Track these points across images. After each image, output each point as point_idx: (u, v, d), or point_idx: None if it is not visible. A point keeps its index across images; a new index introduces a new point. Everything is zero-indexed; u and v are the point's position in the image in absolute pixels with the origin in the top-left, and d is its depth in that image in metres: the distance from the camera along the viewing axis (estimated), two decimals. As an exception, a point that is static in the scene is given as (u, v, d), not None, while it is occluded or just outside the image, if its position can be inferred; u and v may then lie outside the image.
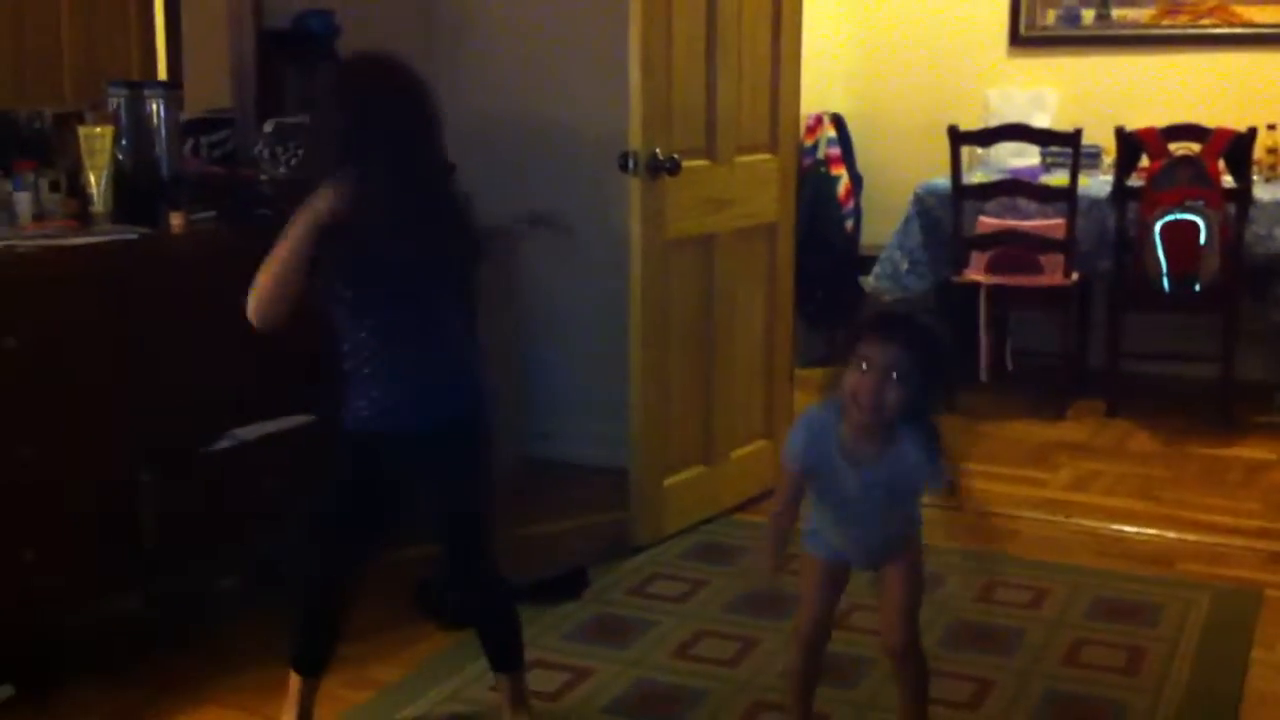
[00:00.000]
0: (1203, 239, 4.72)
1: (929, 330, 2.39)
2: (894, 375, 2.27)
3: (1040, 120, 5.61)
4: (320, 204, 2.33)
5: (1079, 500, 4.21)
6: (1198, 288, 4.76)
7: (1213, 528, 3.94)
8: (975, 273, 5.15)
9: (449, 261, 2.45)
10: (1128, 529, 3.95)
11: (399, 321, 2.42)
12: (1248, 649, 3.14)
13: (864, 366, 2.29)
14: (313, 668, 2.64)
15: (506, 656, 2.67)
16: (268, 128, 3.65)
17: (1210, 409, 5.01)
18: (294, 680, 2.63)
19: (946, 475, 2.39)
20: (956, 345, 2.61)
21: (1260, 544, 3.82)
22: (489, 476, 2.58)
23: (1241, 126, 4.88)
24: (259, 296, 2.39)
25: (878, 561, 2.48)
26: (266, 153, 3.61)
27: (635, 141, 3.59)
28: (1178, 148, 4.93)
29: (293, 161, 2.80)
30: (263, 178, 3.54)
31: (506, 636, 2.66)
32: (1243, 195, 4.85)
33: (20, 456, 2.80)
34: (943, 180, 5.21)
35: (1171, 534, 3.90)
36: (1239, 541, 3.83)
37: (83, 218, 3.18)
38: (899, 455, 2.34)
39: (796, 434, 2.43)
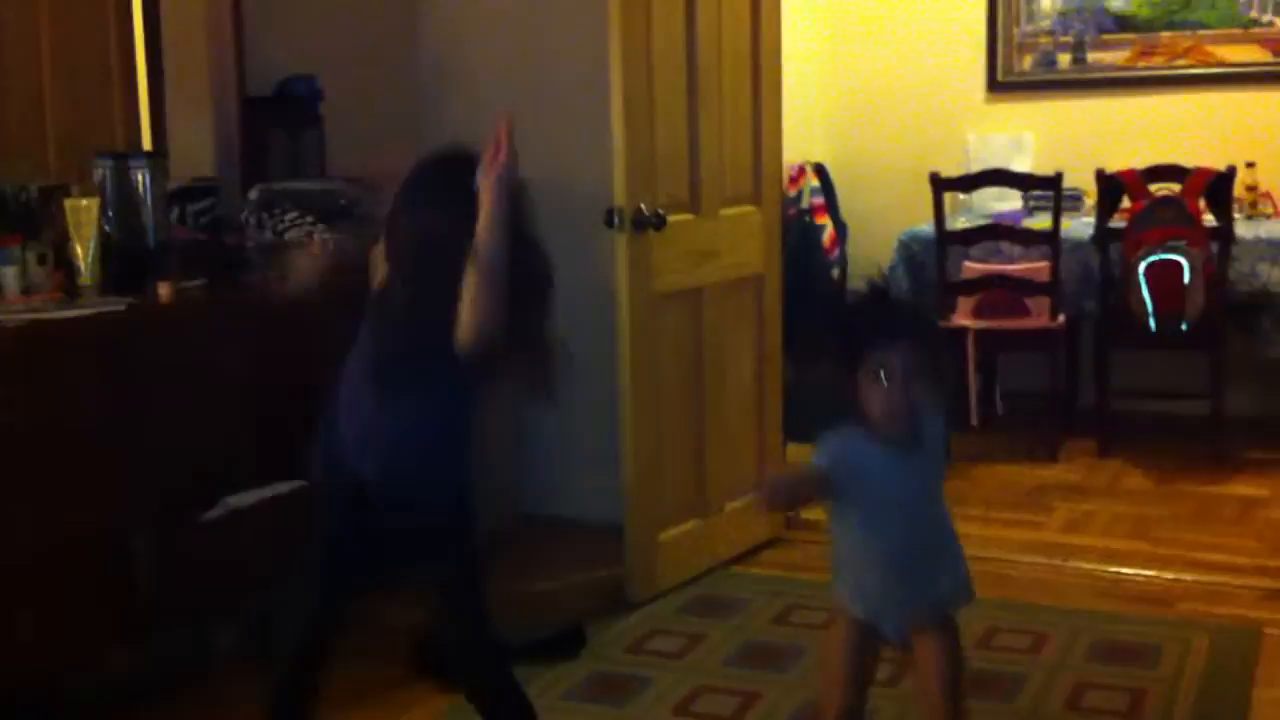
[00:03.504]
0: (1187, 278, 4.74)
1: (918, 313, 2.38)
2: (913, 375, 2.23)
3: (1020, 164, 5.65)
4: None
5: (1074, 542, 4.21)
6: (1184, 326, 4.78)
7: (1209, 566, 3.94)
8: (962, 317, 5.16)
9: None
10: (1124, 570, 3.94)
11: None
12: (1248, 688, 3.13)
13: (882, 378, 2.23)
14: None
15: None
16: (253, 194, 3.67)
17: (1202, 446, 5.02)
18: None
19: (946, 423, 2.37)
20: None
21: (1257, 581, 3.81)
22: (471, 554, 2.48)
23: (1220, 165, 4.92)
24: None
25: (914, 606, 2.34)
26: (253, 219, 3.63)
27: (620, 197, 3.61)
28: (1158, 188, 4.98)
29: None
30: (249, 244, 3.55)
31: (508, 706, 2.53)
32: (1224, 233, 4.88)
33: (14, 529, 2.78)
34: (926, 227, 5.24)
35: (1168, 574, 3.89)
36: (1236, 579, 3.83)
37: (70, 290, 3.18)
38: (927, 437, 2.31)
39: (826, 443, 2.31)
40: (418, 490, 2.39)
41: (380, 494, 2.37)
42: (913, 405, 2.25)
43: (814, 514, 4.19)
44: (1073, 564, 4.00)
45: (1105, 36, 5.88)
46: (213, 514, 3.21)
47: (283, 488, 3.35)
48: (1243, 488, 4.71)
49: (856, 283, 5.85)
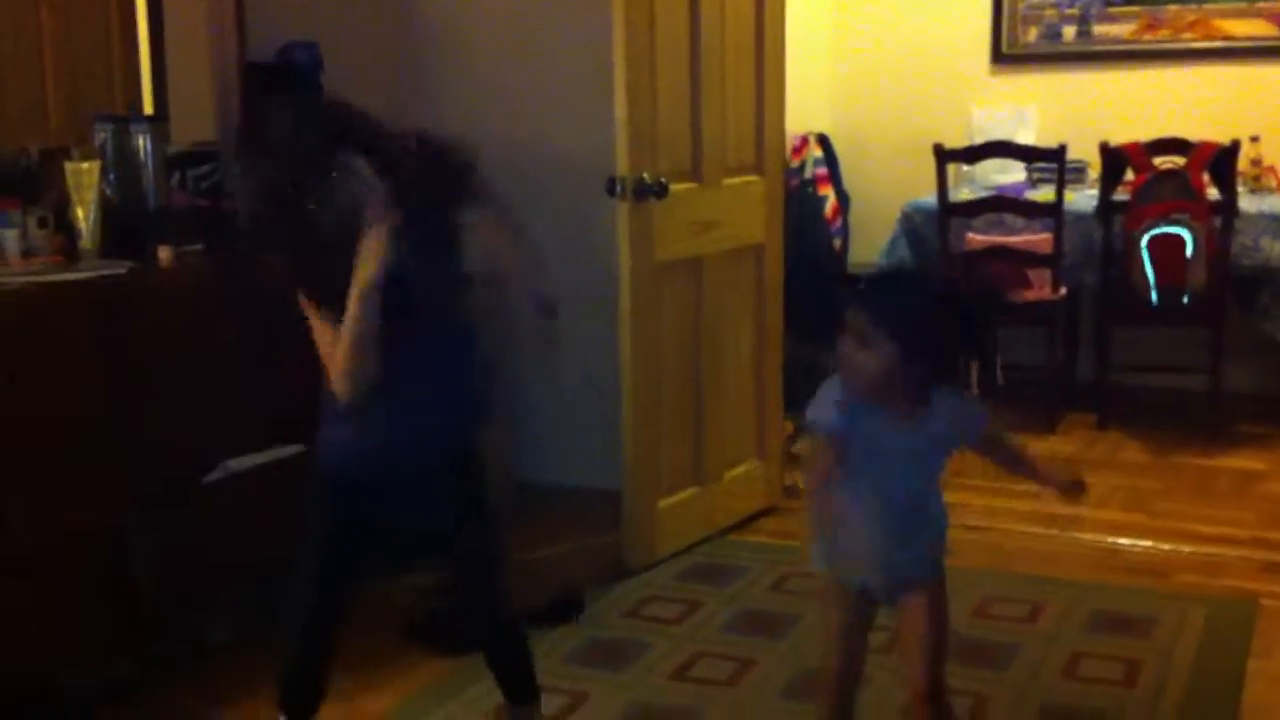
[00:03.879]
0: (1189, 252, 4.74)
1: (910, 286, 2.30)
2: (879, 344, 2.16)
3: (1023, 136, 5.64)
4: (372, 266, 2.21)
5: (1072, 514, 4.21)
6: (1185, 300, 4.78)
7: (1206, 538, 3.95)
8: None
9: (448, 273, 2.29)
10: (1122, 541, 3.95)
11: (399, 343, 2.26)
12: (1244, 659, 3.15)
13: (846, 341, 2.19)
14: (305, 711, 2.50)
15: (523, 687, 2.60)
16: (254, 159, 3.66)
17: (1200, 420, 5.03)
18: None
19: (982, 423, 2.31)
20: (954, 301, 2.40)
21: (1254, 553, 3.82)
22: (492, 506, 2.49)
23: (1224, 139, 4.91)
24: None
25: (899, 568, 2.30)
26: (253, 184, 3.62)
27: (622, 166, 3.60)
28: (1162, 162, 4.96)
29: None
30: (250, 209, 3.55)
31: (521, 665, 2.60)
32: (1227, 207, 4.88)
33: (11, 486, 2.79)
34: (929, 198, 5.23)
35: (1165, 545, 3.91)
36: (1233, 551, 3.84)
37: (70, 253, 3.18)
38: (931, 418, 2.24)
39: (824, 402, 2.26)
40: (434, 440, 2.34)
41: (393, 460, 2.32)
42: (874, 377, 2.18)
43: (812, 483, 4.20)
44: (1070, 535, 4.02)
45: (1110, 9, 5.85)
46: (212, 478, 3.22)
47: (282, 452, 3.36)
48: (1240, 461, 4.72)
49: (858, 254, 5.87)
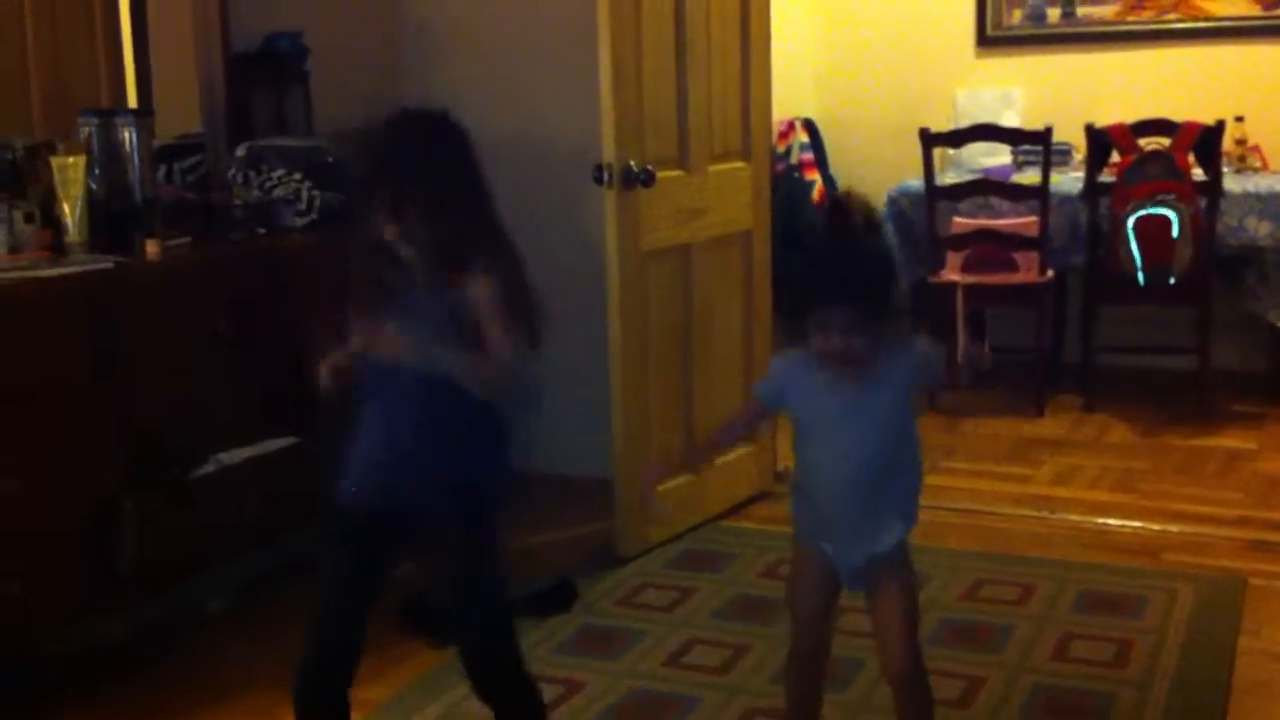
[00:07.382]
0: (1175, 232, 4.75)
1: (869, 260, 2.28)
2: (855, 327, 2.18)
3: (1009, 119, 5.65)
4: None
5: (1061, 495, 4.23)
6: (1172, 281, 4.80)
7: (1195, 518, 3.97)
8: (951, 272, 5.17)
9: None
10: (1111, 522, 3.97)
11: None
12: (1234, 637, 3.16)
13: (824, 330, 2.20)
14: None
15: None
16: (240, 151, 3.66)
17: (1187, 399, 5.05)
18: None
19: (936, 368, 2.34)
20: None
21: (1242, 532, 3.84)
22: (493, 549, 2.35)
23: (1209, 119, 4.92)
24: None
25: (870, 547, 2.30)
26: (239, 176, 3.62)
27: (609, 154, 3.60)
28: (1147, 143, 4.97)
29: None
30: (236, 202, 3.54)
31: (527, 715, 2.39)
32: (1213, 187, 4.89)
33: (3, 488, 2.79)
34: (916, 182, 5.24)
35: (1154, 525, 3.92)
36: (1221, 531, 3.86)
37: (58, 248, 3.18)
38: (884, 372, 2.24)
39: (772, 370, 2.35)
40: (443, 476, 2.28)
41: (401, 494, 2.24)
42: (855, 353, 2.20)
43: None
44: (1059, 516, 4.03)
45: (1094, -9, 5.86)
46: (204, 471, 3.22)
47: (272, 445, 3.36)
48: (1227, 440, 4.74)
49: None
